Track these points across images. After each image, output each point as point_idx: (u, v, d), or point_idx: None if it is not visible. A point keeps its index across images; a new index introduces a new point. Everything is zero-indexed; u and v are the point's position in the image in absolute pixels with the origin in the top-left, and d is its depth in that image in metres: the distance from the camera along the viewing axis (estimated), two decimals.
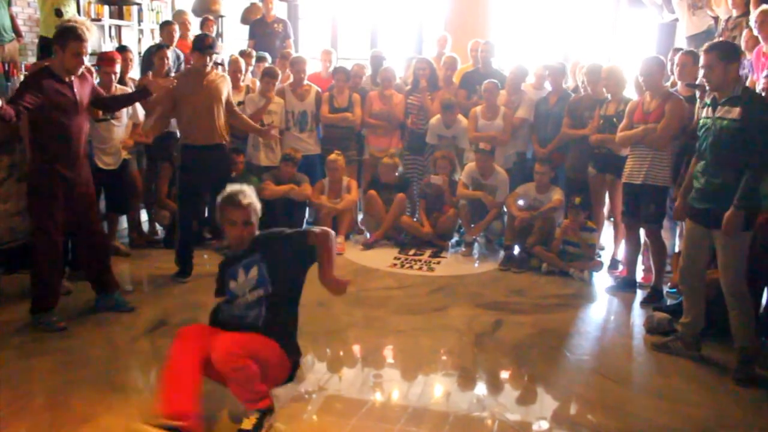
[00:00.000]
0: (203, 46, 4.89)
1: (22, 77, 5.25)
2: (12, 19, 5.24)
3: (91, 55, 5.69)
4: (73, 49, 3.86)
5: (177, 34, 6.55)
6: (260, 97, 6.19)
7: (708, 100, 3.78)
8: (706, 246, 3.79)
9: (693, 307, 3.92)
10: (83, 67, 4.02)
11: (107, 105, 4.54)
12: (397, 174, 6.35)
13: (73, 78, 4.00)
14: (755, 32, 5.01)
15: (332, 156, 6.14)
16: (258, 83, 6.52)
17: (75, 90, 4.01)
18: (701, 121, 3.81)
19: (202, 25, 7.37)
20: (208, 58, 4.88)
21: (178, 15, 6.95)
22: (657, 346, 4.05)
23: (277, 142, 6.25)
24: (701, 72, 3.83)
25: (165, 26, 6.51)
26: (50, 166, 3.99)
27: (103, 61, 5.09)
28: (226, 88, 5.06)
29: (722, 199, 3.60)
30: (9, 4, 5.22)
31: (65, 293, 4.45)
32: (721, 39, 5.03)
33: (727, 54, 3.60)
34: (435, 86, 6.50)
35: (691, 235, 3.89)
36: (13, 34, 5.22)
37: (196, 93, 4.88)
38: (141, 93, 4.58)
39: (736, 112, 3.55)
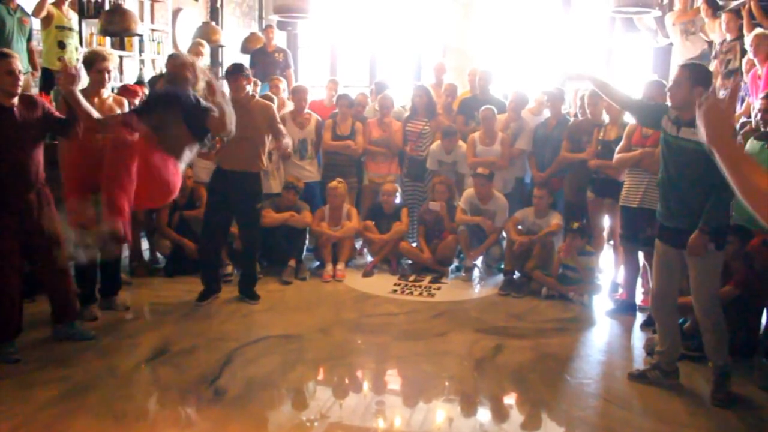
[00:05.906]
0: (230, 70, 5.03)
1: None
2: (30, 52, 5.31)
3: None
4: (4, 67, 3.80)
5: None
6: None
7: (672, 117, 3.58)
8: (678, 268, 3.66)
9: (667, 336, 3.80)
10: (20, 86, 3.89)
11: (60, 127, 4.21)
12: (397, 201, 6.37)
13: (15, 103, 3.88)
14: (750, 56, 5.07)
15: (333, 183, 6.15)
16: None
17: (17, 116, 3.89)
18: (662, 135, 3.64)
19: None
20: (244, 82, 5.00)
21: (195, 46, 7.04)
22: (633, 376, 3.90)
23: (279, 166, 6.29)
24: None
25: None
26: None
27: (126, 92, 5.25)
28: None
29: (692, 217, 3.47)
30: (29, 39, 5.31)
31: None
32: (715, 60, 5.03)
33: (697, 77, 3.44)
34: (432, 113, 6.56)
35: (661, 257, 3.72)
36: (29, 67, 5.30)
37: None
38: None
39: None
